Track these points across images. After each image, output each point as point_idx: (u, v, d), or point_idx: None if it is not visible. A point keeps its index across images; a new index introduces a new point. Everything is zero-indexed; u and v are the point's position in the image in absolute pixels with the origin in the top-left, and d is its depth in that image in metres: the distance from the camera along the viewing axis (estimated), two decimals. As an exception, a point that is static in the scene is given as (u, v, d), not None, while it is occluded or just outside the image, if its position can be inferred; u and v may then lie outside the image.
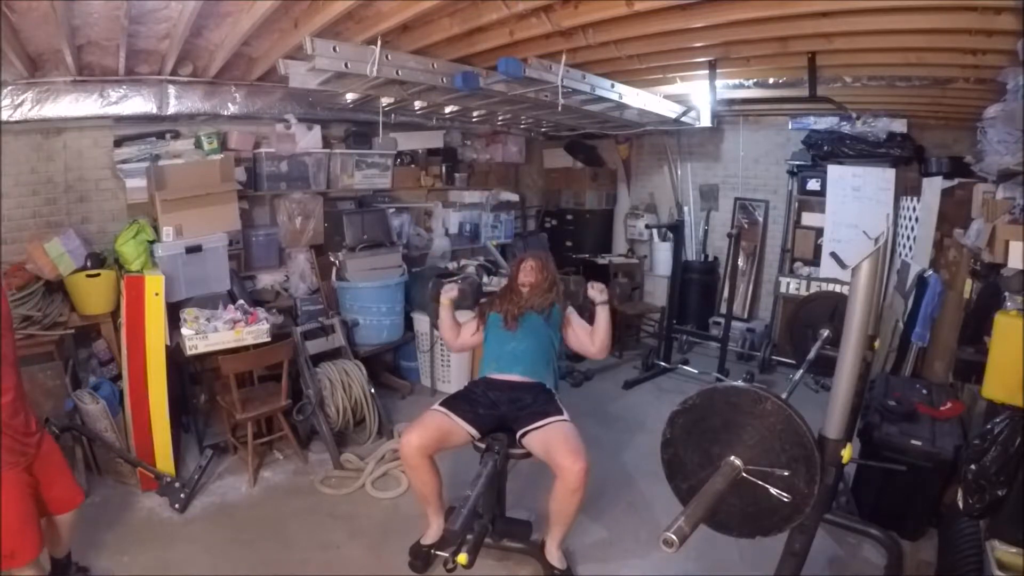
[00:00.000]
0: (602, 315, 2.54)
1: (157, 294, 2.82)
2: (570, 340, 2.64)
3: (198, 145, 3.39)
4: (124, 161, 3.22)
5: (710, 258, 5.34)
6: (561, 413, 2.30)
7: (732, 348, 4.72)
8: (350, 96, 3.29)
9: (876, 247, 1.35)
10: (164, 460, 2.86)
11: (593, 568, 2.42)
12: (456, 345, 2.73)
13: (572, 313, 2.65)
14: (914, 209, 4.09)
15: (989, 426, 1.89)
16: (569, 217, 5.79)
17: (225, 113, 3.40)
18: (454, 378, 3.99)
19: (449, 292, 2.67)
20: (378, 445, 3.32)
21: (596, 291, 2.58)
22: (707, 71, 3.21)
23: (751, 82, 3.43)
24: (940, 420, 2.63)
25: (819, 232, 4.45)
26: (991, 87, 2.58)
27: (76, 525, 2.11)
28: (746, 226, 5.12)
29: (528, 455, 2.28)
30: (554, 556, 2.30)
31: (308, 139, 3.77)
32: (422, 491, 2.33)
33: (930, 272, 3.43)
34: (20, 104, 2.78)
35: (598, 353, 2.58)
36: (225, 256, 3.43)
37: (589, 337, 2.58)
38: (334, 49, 2.32)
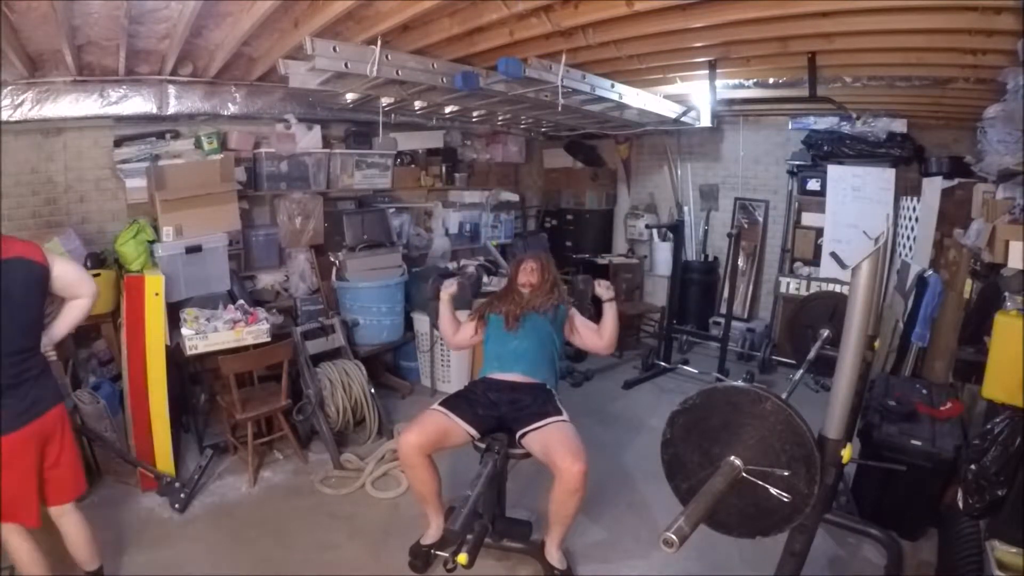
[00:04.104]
0: (610, 312, 2.57)
1: (157, 294, 2.82)
2: (577, 339, 2.65)
3: (198, 145, 3.38)
4: (124, 161, 3.22)
5: (710, 258, 5.34)
6: (560, 414, 2.30)
7: (732, 348, 4.72)
8: (350, 96, 3.29)
9: (876, 247, 1.35)
10: (164, 460, 2.86)
11: (593, 568, 2.42)
12: (454, 342, 2.75)
13: (576, 314, 2.66)
14: (914, 209, 4.09)
15: (989, 426, 1.89)
16: (569, 217, 5.80)
17: (225, 113, 3.40)
18: (454, 378, 3.99)
19: (448, 288, 2.69)
20: (378, 445, 3.32)
21: (603, 288, 2.61)
22: (707, 71, 3.22)
23: (751, 82, 3.43)
24: (940, 420, 2.63)
25: (819, 232, 4.45)
26: (991, 87, 2.58)
27: (83, 528, 2.06)
28: (746, 226, 5.12)
29: (528, 455, 2.28)
30: (554, 556, 2.30)
31: (308, 139, 3.77)
32: (421, 491, 2.33)
33: (930, 272, 3.43)
34: (20, 104, 2.78)
35: (606, 348, 2.61)
36: (225, 256, 3.43)
37: (595, 334, 2.60)
38: (334, 49, 2.32)
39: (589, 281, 2.70)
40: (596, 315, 2.69)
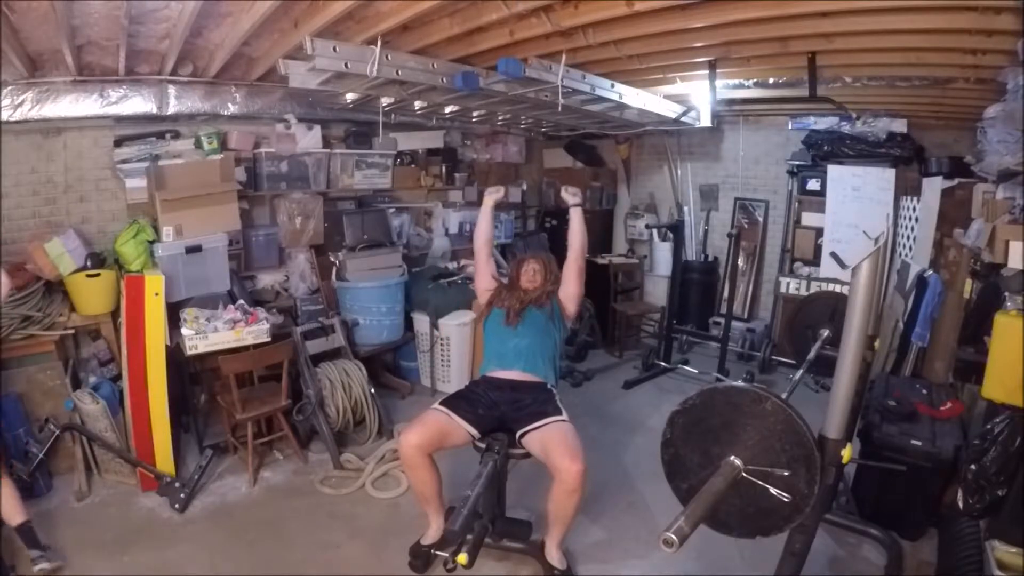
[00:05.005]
0: (575, 216, 2.62)
1: (157, 294, 2.82)
2: (567, 292, 2.63)
3: (198, 145, 3.38)
4: (124, 161, 3.22)
5: (710, 258, 5.34)
6: (560, 413, 2.30)
7: (732, 348, 4.72)
8: (350, 96, 3.29)
9: (876, 247, 1.35)
10: (164, 460, 2.87)
11: (593, 568, 2.42)
12: (482, 251, 2.75)
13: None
14: (914, 209, 4.09)
15: (989, 426, 1.89)
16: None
17: (225, 113, 3.40)
18: (454, 378, 3.99)
19: (494, 192, 2.76)
20: (378, 445, 3.32)
21: (569, 194, 2.63)
22: (707, 71, 3.21)
23: (751, 82, 3.43)
24: (940, 420, 2.63)
25: (819, 232, 4.44)
26: (991, 87, 2.58)
27: None
28: (746, 226, 5.12)
29: (528, 455, 2.29)
30: (554, 556, 2.30)
31: (308, 139, 3.77)
32: (421, 491, 2.33)
33: (930, 272, 3.43)
34: (20, 104, 2.78)
35: (577, 253, 2.61)
36: (225, 256, 3.43)
37: (567, 265, 2.62)
38: (334, 49, 2.32)
39: (554, 185, 2.68)
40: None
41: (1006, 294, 2.28)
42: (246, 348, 3.05)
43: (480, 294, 2.76)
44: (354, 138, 4.09)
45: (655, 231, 5.40)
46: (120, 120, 3.15)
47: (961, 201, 3.44)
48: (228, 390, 2.94)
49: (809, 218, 4.69)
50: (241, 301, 3.31)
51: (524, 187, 2.75)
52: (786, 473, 1.29)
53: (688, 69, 3.31)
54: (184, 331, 2.99)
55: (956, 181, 3.58)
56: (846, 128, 4.24)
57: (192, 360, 3.11)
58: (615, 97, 3.33)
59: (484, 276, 2.75)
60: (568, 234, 2.61)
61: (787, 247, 4.85)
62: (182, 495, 2.72)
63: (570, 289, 2.63)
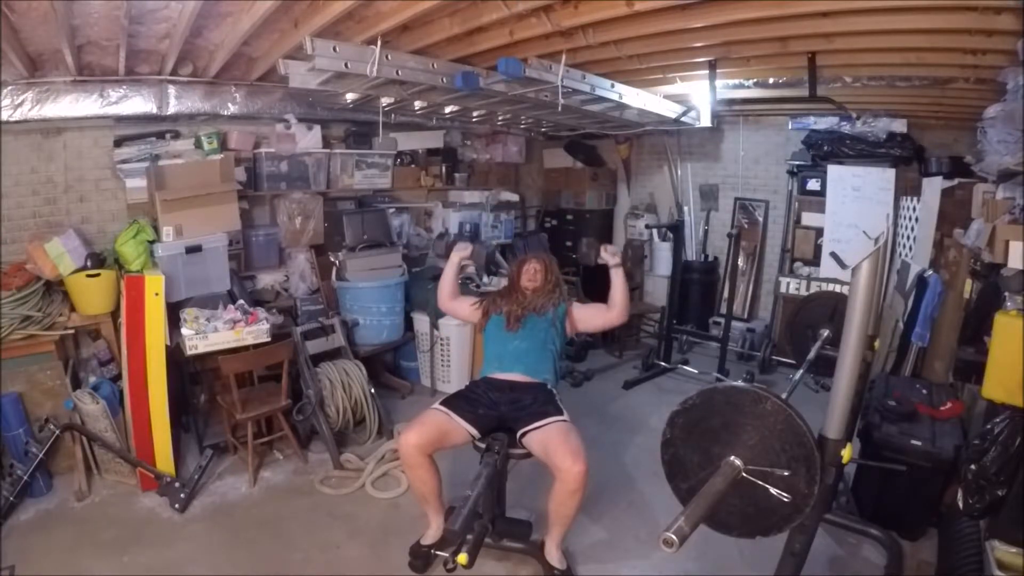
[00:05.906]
0: (617, 277, 2.57)
1: (157, 294, 2.82)
2: (584, 327, 2.65)
3: (198, 145, 3.39)
4: (124, 161, 3.22)
5: (710, 258, 5.34)
6: (561, 413, 2.30)
7: (732, 348, 4.72)
8: (350, 96, 3.29)
9: (876, 247, 1.35)
10: (164, 460, 2.87)
11: (593, 568, 2.42)
12: (448, 305, 2.76)
13: (575, 306, 2.66)
14: (914, 209, 4.09)
15: (989, 426, 1.89)
16: (569, 217, 5.79)
17: (225, 113, 3.40)
18: (454, 378, 3.99)
19: (461, 250, 2.71)
20: (378, 445, 3.32)
21: (609, 254, 2.61)
22: (707, 71, 3.21)
23: (751, 82, 3.43)
24: (940, 420, 2.63)
25: (819, 232, 4.44)
26: (991, 87, 2.58)
27: None
28: (746, 226, 5.12)
29: (528, 455, 2.28)
30: (554, 556, 2.30)
31: (308, 139, 3.77)
32: (421, 490, 2.33)
33: (930, 272, 3.43)
34: (20, 104, 2.78)
35: (619, 317, 2.59)
36: (225, 256, 3.43)
37: (602, 311, 2.61)
38: (334, 49, 2.32)
39: (594, 245, 2.66)
40: (600, 291, 2.63)
41: (1006, 294, 2.28)
42: (246, 348, 3.05)
43: (469, 316, 2.73)
44: (354, 138, 4.09)
45: (655, 231, 5.40)
46: (120, 120, 3.15)
47: (961, 201, 3.44)
48: (228, 390, 2.94)
49: (809, 218, 4.69)
50: (241, 301, 3.31)
51: (489, 249, 2.73)
52: (786, 473, 1.28)
53: (688, 69, 3.30)
54: (184, 331, 2.99)
55: (956, 181, 3.58)
56: (846, 128, 4.24)
57: (192, 360, 3.11)
58: (615, 97, 3.33)
59: (460, 308, 2.75)
60: (611, 292, 2.57)
61: (787, 247, 4.85)
62: (182, 495, 2.72)
63: (591, 323, 2.66)
